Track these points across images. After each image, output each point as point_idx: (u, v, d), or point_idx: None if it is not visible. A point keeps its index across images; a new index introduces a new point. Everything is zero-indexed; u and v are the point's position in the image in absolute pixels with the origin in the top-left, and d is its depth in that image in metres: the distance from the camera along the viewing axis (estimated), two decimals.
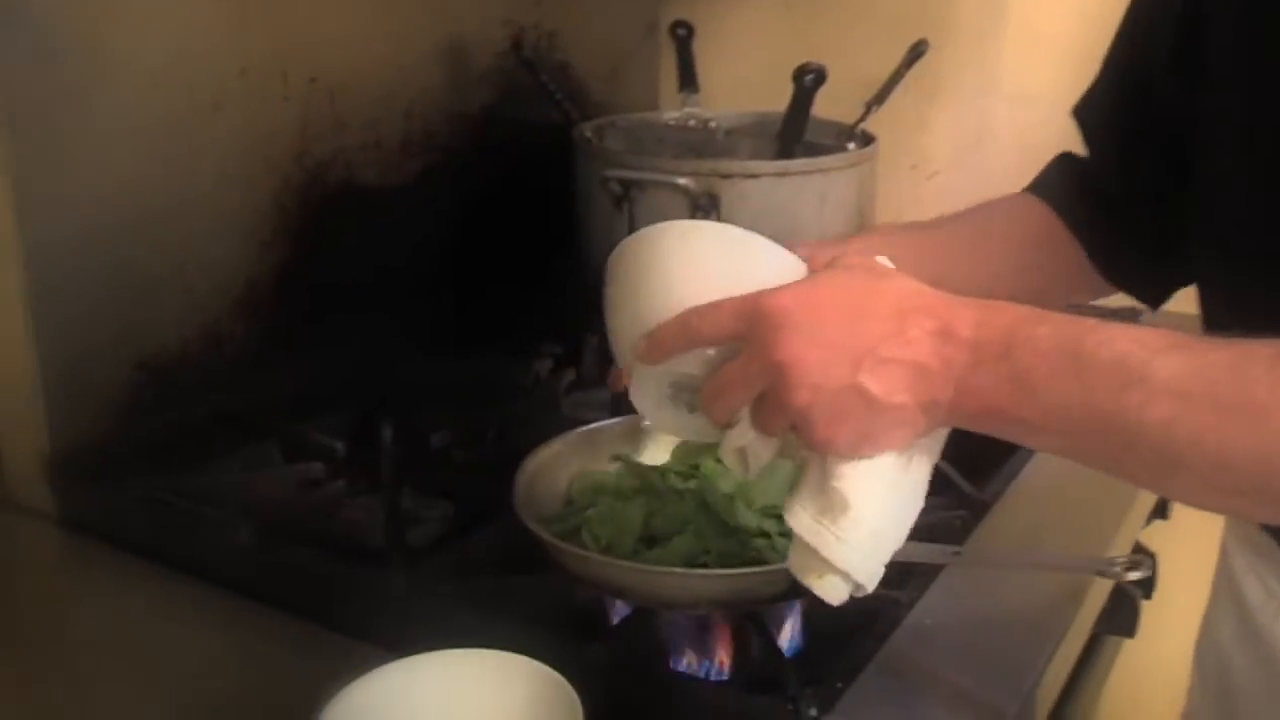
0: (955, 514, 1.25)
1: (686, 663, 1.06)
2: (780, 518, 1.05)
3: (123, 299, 1.36)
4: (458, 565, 1.15)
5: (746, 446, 0.82)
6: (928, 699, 0.99)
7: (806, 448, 0.80)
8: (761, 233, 0.84)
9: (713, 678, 1.05)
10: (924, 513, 1.23)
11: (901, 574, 1.12)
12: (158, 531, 1.24)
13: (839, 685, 0.99)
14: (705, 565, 1.05)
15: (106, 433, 1.36)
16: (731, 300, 0.79)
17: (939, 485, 1.29)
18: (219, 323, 1.47)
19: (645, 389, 0.89)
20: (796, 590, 0.99)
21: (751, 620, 1.05)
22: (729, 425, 0.83)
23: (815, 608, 1.07)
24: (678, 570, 1.00)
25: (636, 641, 1.03)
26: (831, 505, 0.78)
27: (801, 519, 0.79)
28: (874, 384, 0.75)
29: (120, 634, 1.14)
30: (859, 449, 0.78)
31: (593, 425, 1.21)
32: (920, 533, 1.08)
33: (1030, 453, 1.39)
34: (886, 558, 0.80)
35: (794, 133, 1.57)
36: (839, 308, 0.76)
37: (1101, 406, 0.70)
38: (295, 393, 1.50)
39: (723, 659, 1.06)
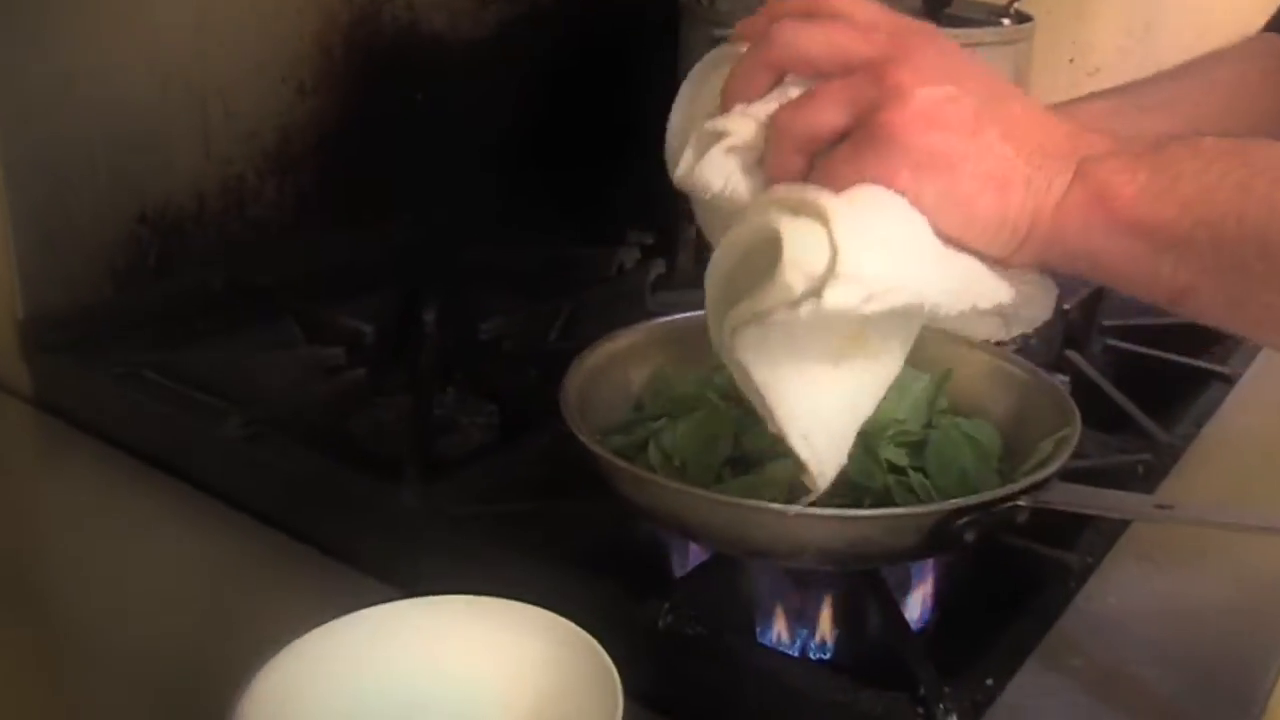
0: (1136, 458, 0.95)
1: (776, 634, 0.77)
2: (916, 446, 0.76)
3: (121, 140, 1.10)
4: (490, 485, 0.87)
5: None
6: (1113, 711, 0.69)
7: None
8: None
9: (812, 656, 0.77)
10: (1096, 454, 0.94)
11: (1073, 528, 0.82)
12: (132, 415, 0.97)
13: (988, 683, 0.69)
14: (813, 503, 0.76)
15: (95, 298, 1.11)
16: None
17: (1113, 421, 1.00)
18: (243, 179, 1.21)
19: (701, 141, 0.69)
20: (933, 542, 0.70)
21: (869, 582, 0.75)
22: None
23: (957, 571, 0.78)
24: (773, 506, 0.71)
25: (709, 600, 0.74)
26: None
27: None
28: (993, 126, 0.62)
29: (69, 536, 0.88)
30: (935, 204, 0.62)
31: (680, 317, 0.91)
32: (1097, 478, 0.79)
33: (1225, 390, 1.08)
34: None
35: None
36: (980, 78, 0.65)
37: (1262, 197, 0.57)
38: (330, 270, 1.23)
39: (826, 632, 0.77)
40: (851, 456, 0.71)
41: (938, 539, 0.71)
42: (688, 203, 0.76)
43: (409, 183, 1.33)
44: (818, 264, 0.58)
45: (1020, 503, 0.72)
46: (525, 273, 1.27)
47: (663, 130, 0.75)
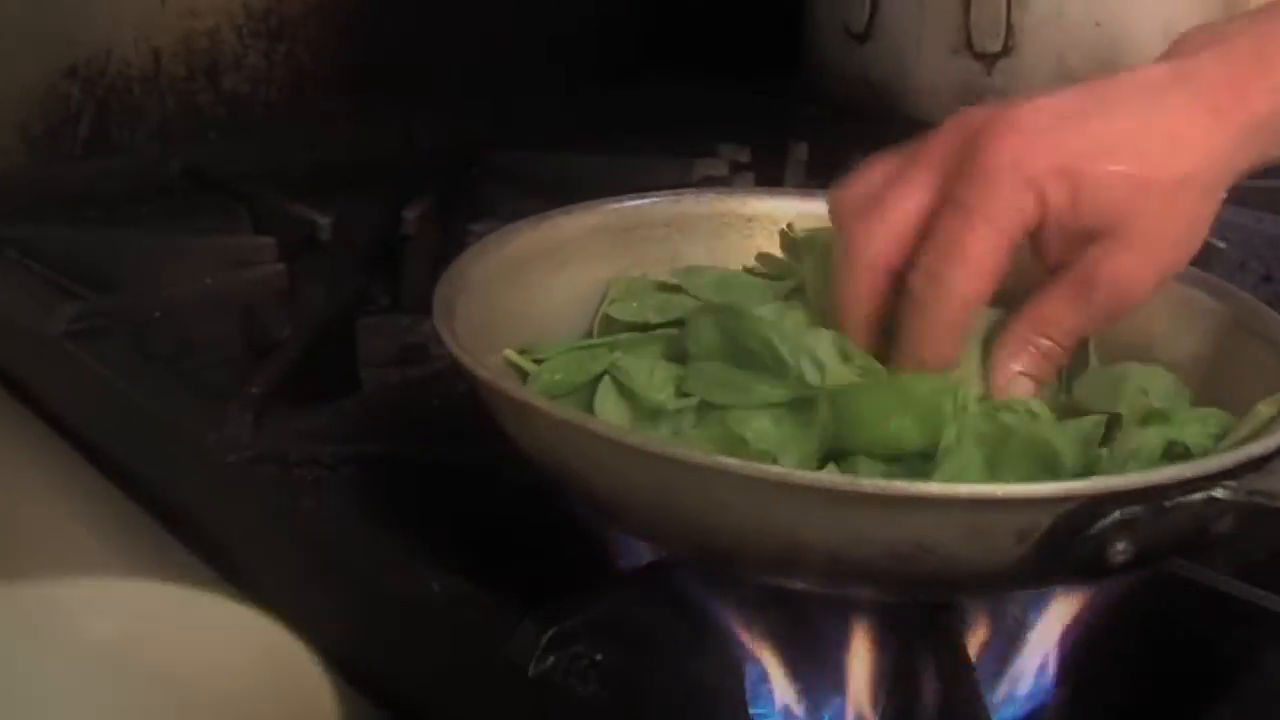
0: None
1: (781, 707, 0.43)
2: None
3: None
4: (364, 425, 0.55)
5: None
6: None
7: None
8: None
9: None
10: None
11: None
12: None
13: None
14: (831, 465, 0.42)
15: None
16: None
17: None
18: (215, 36, 0.92)
19: None
20: (1053, 560, 0.35)
21: (933, 627, 0.40)
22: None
23: (1101, 620, 0.43)
24: (744, 466, 0.36)
25: (638, 632, 0.40)
26: None
27: None
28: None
29: None
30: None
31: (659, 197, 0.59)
32: None
33: None
34: None
35: None
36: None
37: None
38: (323, 168, 0.93)
39: (865, 706, 0.42)
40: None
41: (1061, 554, 0.36)
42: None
43: (436, 65, 1.02)
44: None
45: (1217, 493, 0.37)
46: (572, 179, 0.94)
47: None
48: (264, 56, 0.94)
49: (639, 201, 0.59)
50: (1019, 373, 0.47)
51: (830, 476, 0.35)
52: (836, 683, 0.43)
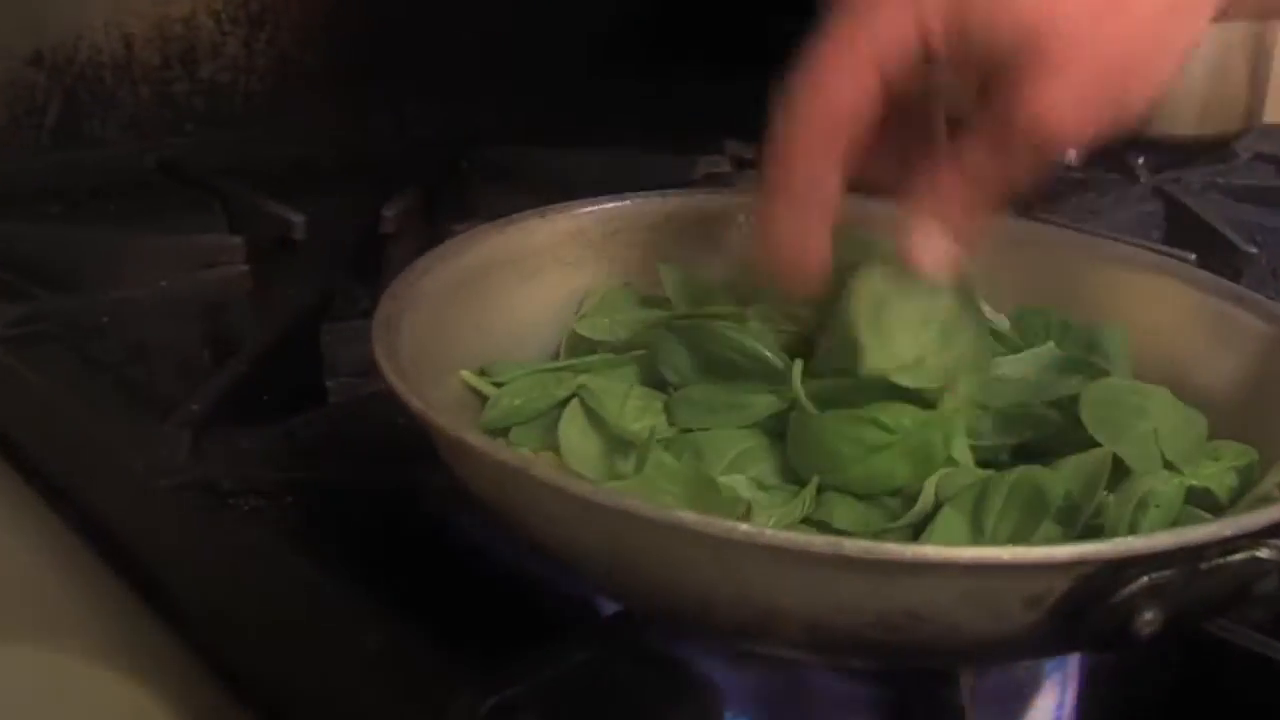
0: None
1: None
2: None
3: None
4: (325, 432, 0.50)
5: None
6: None
7: None
8: None
9: None
10: None
11: None
12: None
13: None
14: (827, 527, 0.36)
15: None
16: None
17: None
18: (191, 22, 0.87)
19: None
20: (1066, 630, 0.30)
21: (932, 692, 0.35)
22: None
23: (1118, 696, 0.37)
24: (736, 530, 0.30)
25: (608, 708, 0.35)
26: None
27: None
28: None
29: None
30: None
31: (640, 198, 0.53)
32: None
33: None
34: None
35: None
36: None
37: None
38: (302, 161, 0.88)
39: None
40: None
41: (1078, 623, 0.31)
42: None
43: (440, 56, 0.97)
44: None
45: (1262, 553, 0.31)
46: (568, 179, 0.89)
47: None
48: (244, 44, 0.89)
49: (620, 203, 0.53)
50: (936, 233, 0.40)
51: (806, 538, 0.29)
52: None
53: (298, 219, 0.74)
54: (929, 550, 0.30)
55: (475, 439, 0.34)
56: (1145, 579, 0.30)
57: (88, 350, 0.59)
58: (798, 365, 0.41)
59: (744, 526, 0.29)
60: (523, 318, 0.48)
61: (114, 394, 0.54)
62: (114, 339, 0.61)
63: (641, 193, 0.54)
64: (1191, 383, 0.46)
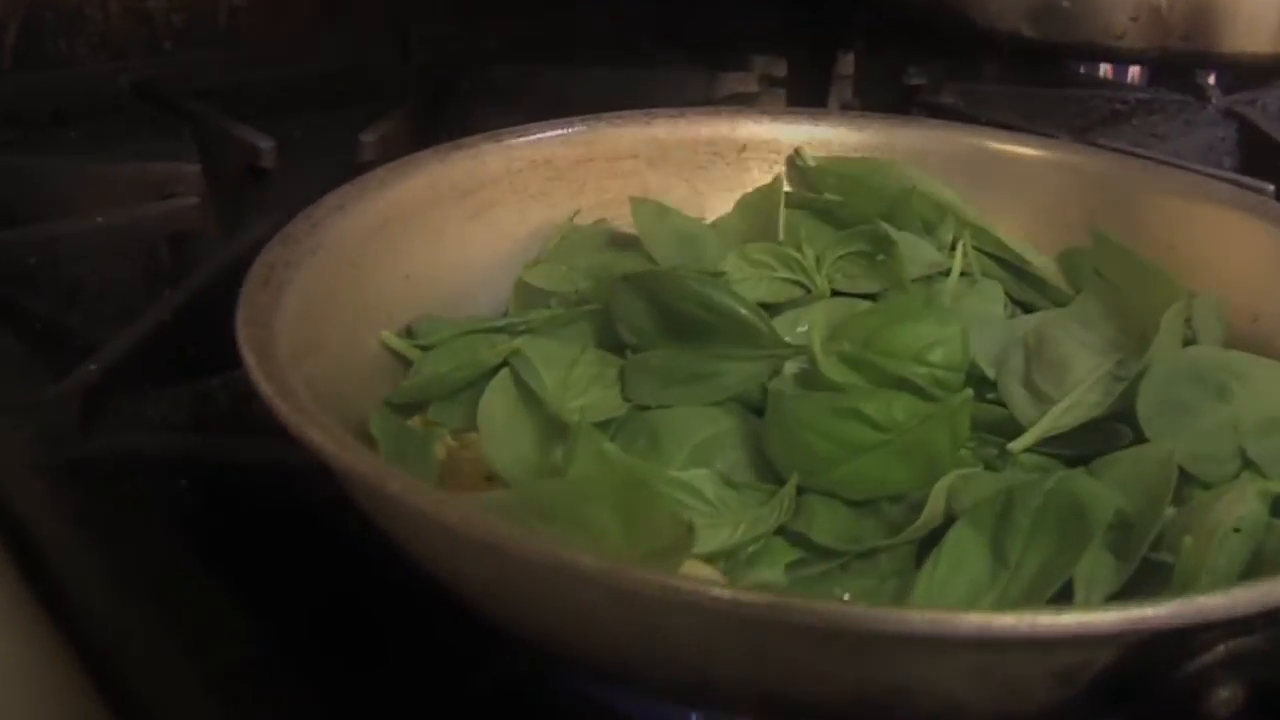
0: None
1: None
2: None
3: None
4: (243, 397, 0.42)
5: None
6: None
7: None
8: None
9: None
10: None
11: None
12: None
13: None
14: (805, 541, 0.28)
15: None
16: None
17: None
18: None
19: None
20: (1111, 712, 0.20)
21: None
22: None
23: None
24: (651, 581, 0.22)
25: None
26: None
27: None
28: None
29: None
30: None
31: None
32: None
33: None
34: None
35: None
36: None
37: None
38: (291, 83, 0.80)
39: None
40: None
41: (1129, 701, 0.22)
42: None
43: None
44: None
45: None
46: (564, 95, 0.80)
47: None
48: None
49: (594, 123, 0.44)
50: None
51: (753, 595, 0.21)
52: None
53: (266, 145, 0.66)
54: (916, 617, 0.21)
55: (318, 434, 0.25)
56: (1221, 647, 0.21)
57: (9, 297, 0.52)
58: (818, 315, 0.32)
59: (658, 578, 0.21)
60: (468, 264, 0.40)
61: (18, 349, 0.46)
62: (42, 282, 0.54)
63: (621, 112, 0.45)
64: (1274, 345, 0.37)
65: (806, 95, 0.86)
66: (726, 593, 0.20)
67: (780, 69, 0.87)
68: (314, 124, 0.73)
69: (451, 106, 0.79)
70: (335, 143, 0.71)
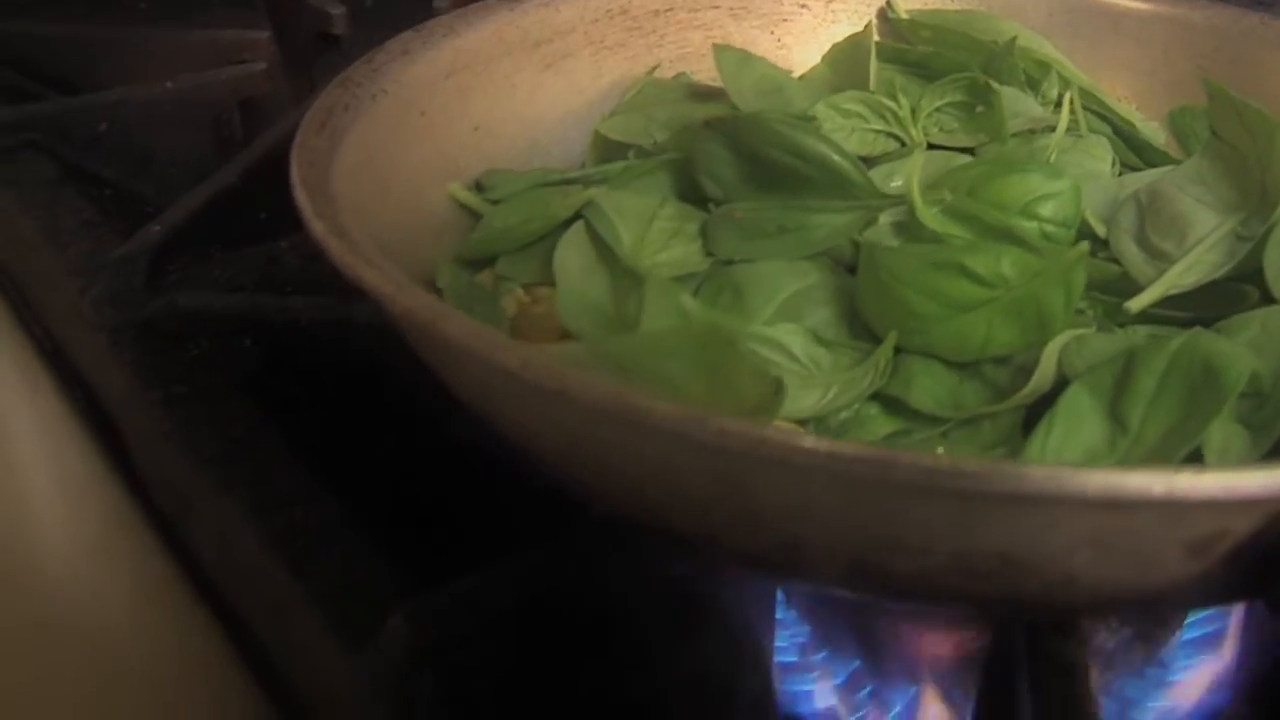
0: None
1: None
2: None
3: None
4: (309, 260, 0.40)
5: None
6: None
7: None
8: None
9: None
10: None
11: None
12: None
13: None
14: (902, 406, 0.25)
15: None
16: None
17: None
18: None
19: None
20: (1249, 585, 0.17)
21: (1041, 648, 0.24)
22: None
23: None
24: (716, 426, 0.19)
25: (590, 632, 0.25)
26: None
27: None
28: None
29: None
30: None
31: None
32: None
33: None
34: None
35: None
36: None
37: None
38: None
39: None
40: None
41: (1270, 575, 0.19)
42: None
43: None
44: None
45: None
46: None
47: None
48: None
49: None
50: None
51: (853, 448, 0.18)
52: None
53: (337, 11, 0.62)
54: (1035, 473, 0.18)
55: (373, 274, 0.23)
56: None
57: (78, 160, 0.50)
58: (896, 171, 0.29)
59: (725, 423, 0.18)
60: (540, 118, 0.37)
61: (89, 213, 0.44)
62: (113, 148, 0.52)
63: None
64: None
65: None
66: (823, 444, 0.18)
67: None
68: None
69: None
70: (408, 8, 0.68)
